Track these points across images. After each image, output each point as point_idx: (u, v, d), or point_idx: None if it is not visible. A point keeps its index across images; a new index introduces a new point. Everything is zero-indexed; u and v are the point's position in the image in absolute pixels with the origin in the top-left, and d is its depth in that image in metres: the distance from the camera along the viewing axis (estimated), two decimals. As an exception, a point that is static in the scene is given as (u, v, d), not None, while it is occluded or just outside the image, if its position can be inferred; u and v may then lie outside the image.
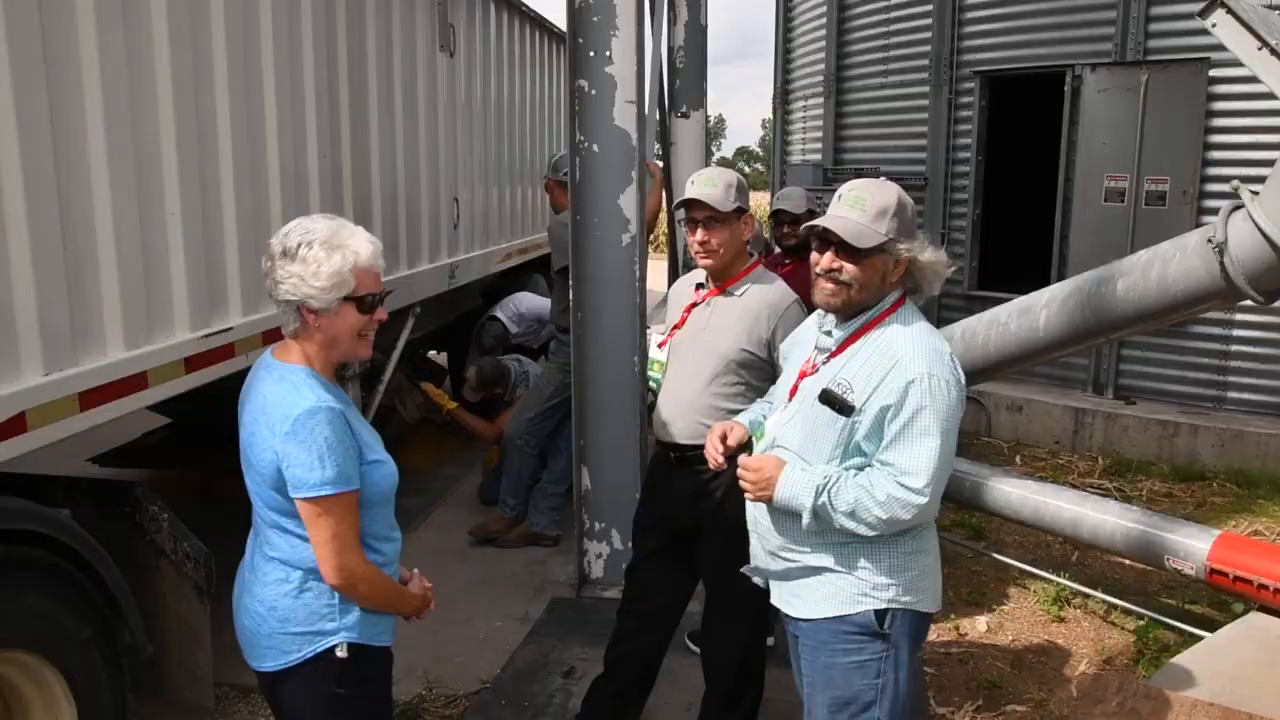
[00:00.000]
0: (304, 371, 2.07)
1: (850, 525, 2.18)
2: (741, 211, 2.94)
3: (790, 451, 2.31)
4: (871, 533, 2.18)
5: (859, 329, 2.26)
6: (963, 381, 2.23)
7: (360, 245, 2.05)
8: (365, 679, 2.19)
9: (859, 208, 2.21)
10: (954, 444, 2.19)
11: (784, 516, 2.32)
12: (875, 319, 2.26)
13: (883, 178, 2.35)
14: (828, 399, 2.21)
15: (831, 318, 2.33)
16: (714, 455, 2.53)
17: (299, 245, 2.01)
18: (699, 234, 2.91)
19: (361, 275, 2.05)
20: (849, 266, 2.21)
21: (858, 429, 2.19)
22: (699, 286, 3.08)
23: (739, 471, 2.35)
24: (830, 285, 2.24)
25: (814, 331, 2.40)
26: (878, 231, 2.19)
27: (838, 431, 2.21)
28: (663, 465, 3.13)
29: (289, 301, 2.03)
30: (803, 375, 2.35)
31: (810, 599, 2.34)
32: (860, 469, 2.23)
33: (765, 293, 3.00)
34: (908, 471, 2.13)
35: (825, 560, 2.29)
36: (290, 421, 1.97)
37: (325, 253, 2.00)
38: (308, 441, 1.97)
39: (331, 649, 2.10)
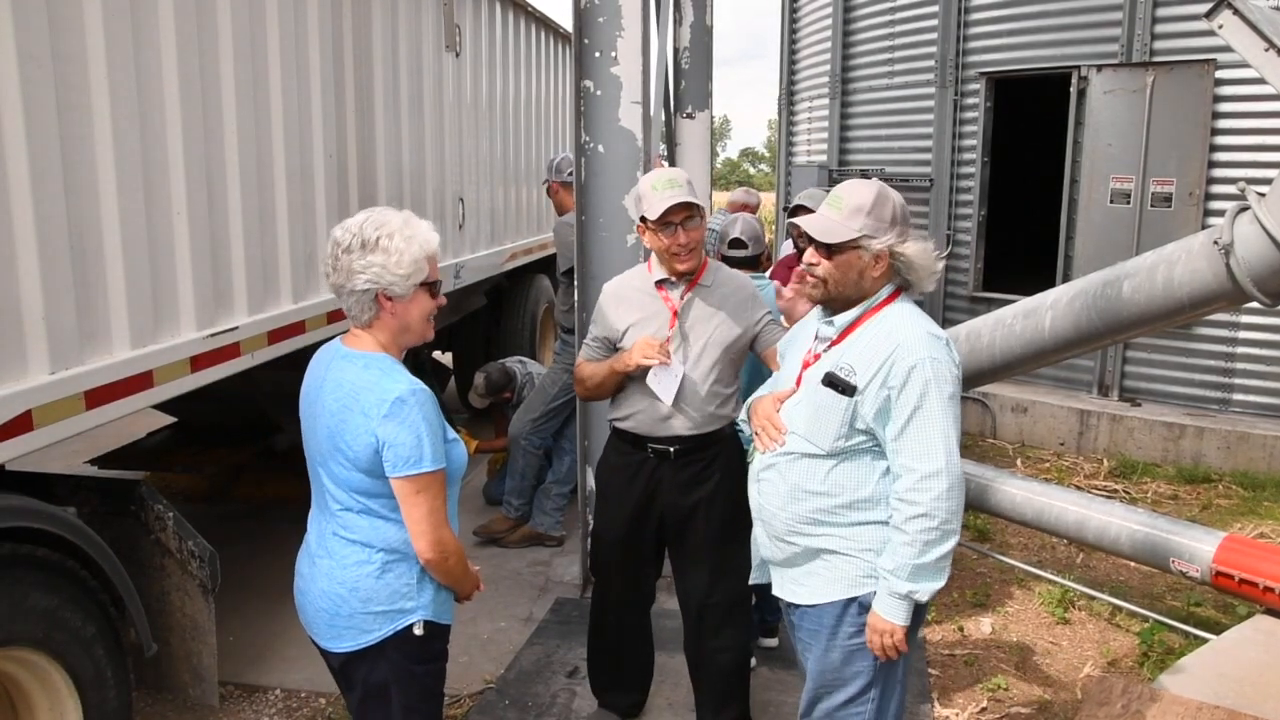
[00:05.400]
0: (388, 358, 2.17)
1: (935, 554, 2.22)
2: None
3: (797, 435, 2.37)
4: (951, 538, 2.23)
5: (858, 318, 2.35)
6: (959, 364, 2.33)
7: (429, 234, 2.18)
8: (435, 655, 2.30)
9: (836, 206, 2.33)
10: (959, 417, 2.28)
11: (789, 500, 2.37)
12: (873, 309, 2.35)
13: (874, 179, 2.42)
14: (831, 381, 2.30)
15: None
16: (777, 435, 2.46)
17: (378, 236, 2.10)
18: (682, 236, 2.94)
19: (431, 262, 2.17)
20: (824, 262, 2.33)
21: (860, 407, 2.27)
22: (661, 284, 3.06)
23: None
24: (810, 279, 2.37)
25: (813, 326, 2.48)
26: (849, 227, 2.29)
27: (841, 412, 2.29)
28: (646, 464, 3.12)
29: (366, 291, 2.11)
30: (806, 365, 2.43)
31: (813, 584, 2.39)
32: (863, 450, 2.30)
33: (736, 280, 3.14)
34: (923, 454, 2.22)
35: (830, 543, 2.35)
36: (388, 404, 2.06)
37: (405, 242, 2.11)
38: (408, 422, 2.07)
39: (410, 627, 2.20)
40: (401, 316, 2.16)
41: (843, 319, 2.37)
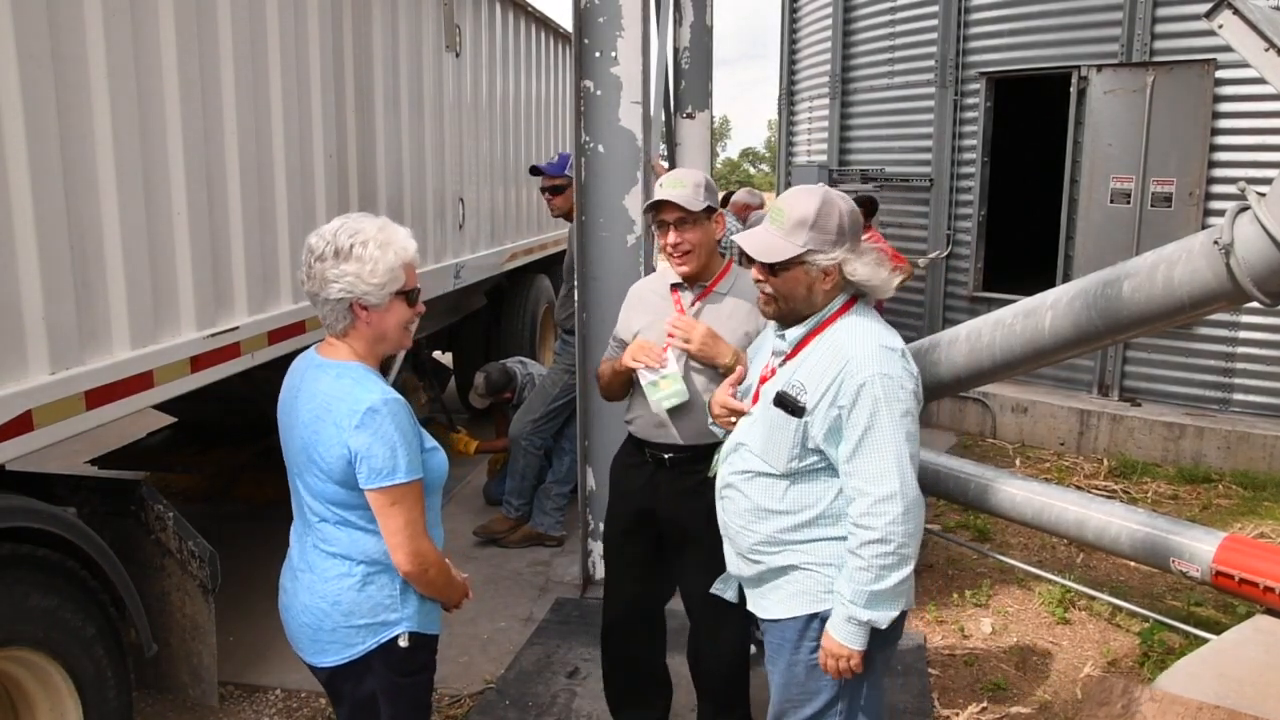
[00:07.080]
0: (362, 367, 2.11)
1: (892, 580, 2.16)
2: (712, 211, 2.94)
3: (753, 454, 2.33)
4: (908, 563, 2.17)
5: (810, 332, 2.28)
6: (916, 374, 2.25)
7: (406, 241, 2.11)
8: (422, 667, 2.27)
9: (778, 220, 2.23)
10: (916, 432, 2.21)
11: (753, 519, 2.33)
12: (825, 321, 2.27)
13: (821, 185, 2.33)
14: (781, 401, 2.23)
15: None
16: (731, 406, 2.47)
17: (352, 244, 2.03)
18: (671, 236, 2.90)
19: (408, 270, 2.11)
20: (772, 279, 2.24)
21: (810, 428, 2.21)
22: (675, 287, 3.03)
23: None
24: (761, 295, 2.30)
25: (772, 338, 2.43)
26: (793, 244, 2.19)
27: (792, 433, 2.23)
28: (645, 468, 3.11)
29: (340, 300, 2.05)
30: (763, 380, 2.38)
31: (777, 599, 2.36)
32: (818, 469, 2.25)
33: (750, 288, 3.02)
34: (877, 477, 2.14)
35: (794, 559, 2.30)
36: (360, 415, 2.01)
37: (379, 250, 2.05)
38: (380, 433, 2.01)
39: (394, 639, 2.16)
40: (377, 326, 2.11)
41: (794, 334, 2.29)
